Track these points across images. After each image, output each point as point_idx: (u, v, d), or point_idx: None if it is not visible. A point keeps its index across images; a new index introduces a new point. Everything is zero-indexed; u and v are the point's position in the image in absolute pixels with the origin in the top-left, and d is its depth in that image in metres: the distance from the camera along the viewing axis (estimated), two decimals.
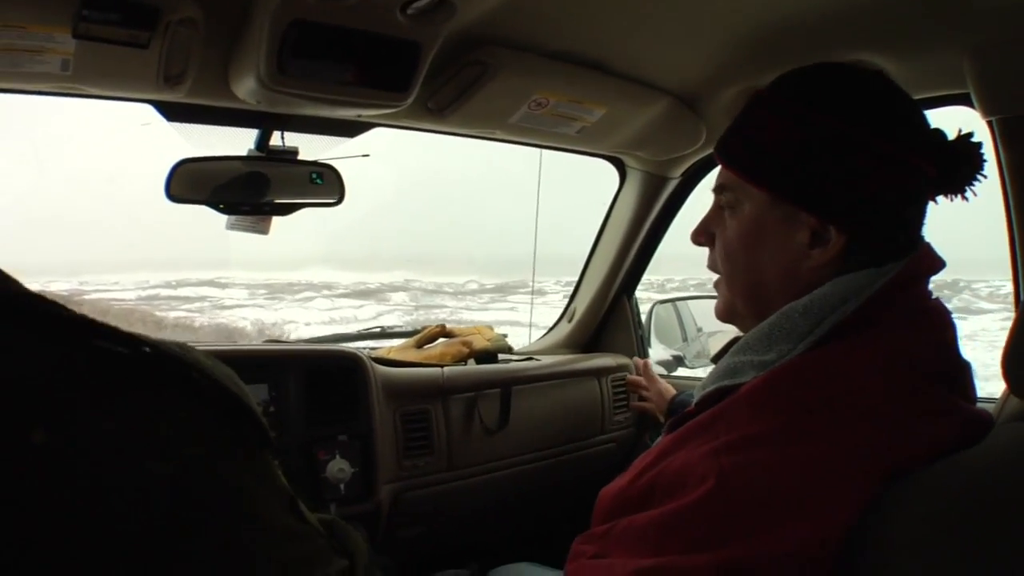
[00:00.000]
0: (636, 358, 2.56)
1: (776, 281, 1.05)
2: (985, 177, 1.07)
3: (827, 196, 0.99)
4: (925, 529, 0.83)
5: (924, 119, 1.04)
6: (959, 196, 1.07)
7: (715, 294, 1.17)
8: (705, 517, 0.89)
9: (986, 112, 1.50)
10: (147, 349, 0.51)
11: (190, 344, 0.55)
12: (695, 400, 1.09)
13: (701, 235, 1.15)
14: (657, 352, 2.81)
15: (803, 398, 0.92)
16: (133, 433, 0.48)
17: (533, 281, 2.90)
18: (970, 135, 1.06)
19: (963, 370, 1.02)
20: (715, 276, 1.16)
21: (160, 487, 0.47)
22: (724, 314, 1.16)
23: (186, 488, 0.49)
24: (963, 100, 1.63)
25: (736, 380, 1.01)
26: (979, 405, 1.02)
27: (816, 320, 0.98)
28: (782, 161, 1.01)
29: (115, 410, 0.48)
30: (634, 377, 2.50)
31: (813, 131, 0.99)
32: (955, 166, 1.04)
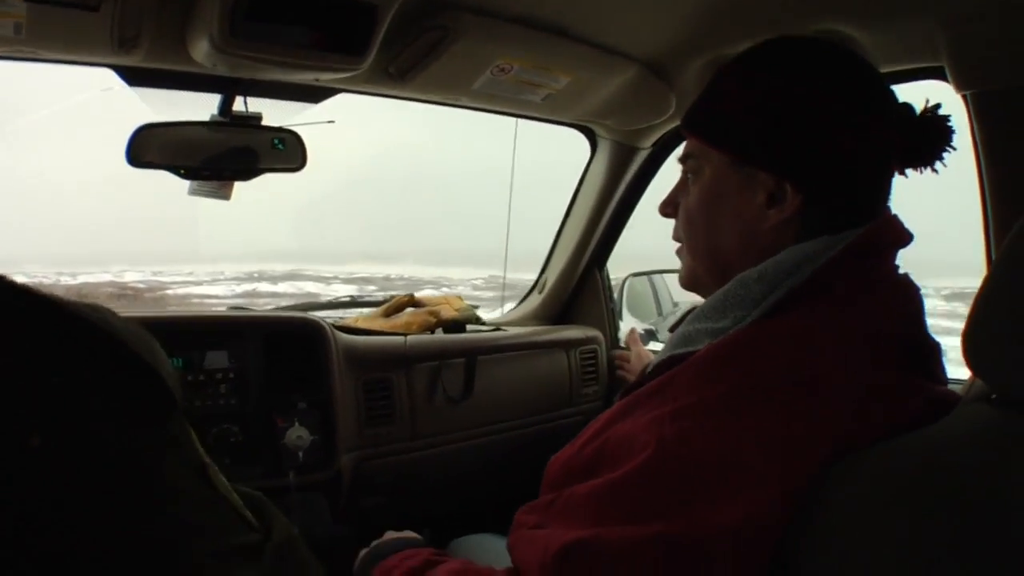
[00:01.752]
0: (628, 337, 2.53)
1: (735, 244, 1.05)
2: (954, 149, 1.07)
3: (784, 153, 0.99)
4: (866, 508, 0.82)
5: (890, 91, 1.04)
6: (928, 168, 1.08)
7: None
8: (642, 486, 0.88)
9: (960, 86, 1.49)
10: (53, 308, 0.50)
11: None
12: (649, 368, 1.09)
13: (668, 206, 1.16)
14: (629, 325, 2.80)
15: (752, 367, 0.91)
16: (26, 387, 0.47)
17: (505, 269, 2.88)
18: (937, 106, 1.06)
19: (930, 348, 1.02)
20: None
21: (54, 443, 0.47)
22: (687, 282, 1.17)
23: (79, 445, 0.48)
24: (937, 73, 1.61)
25: (689, 348, 1.01)
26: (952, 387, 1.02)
27: (770, 287, 0.97)
28: (742, 124, 1.03)
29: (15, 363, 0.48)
30: (619, 352, 2.51)
31: (774, 95, 1.00)
32: (922, 138, 1.05)
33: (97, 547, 0.47)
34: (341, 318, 2.38)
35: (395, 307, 2.36)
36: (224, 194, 1.87)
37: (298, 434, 1.81)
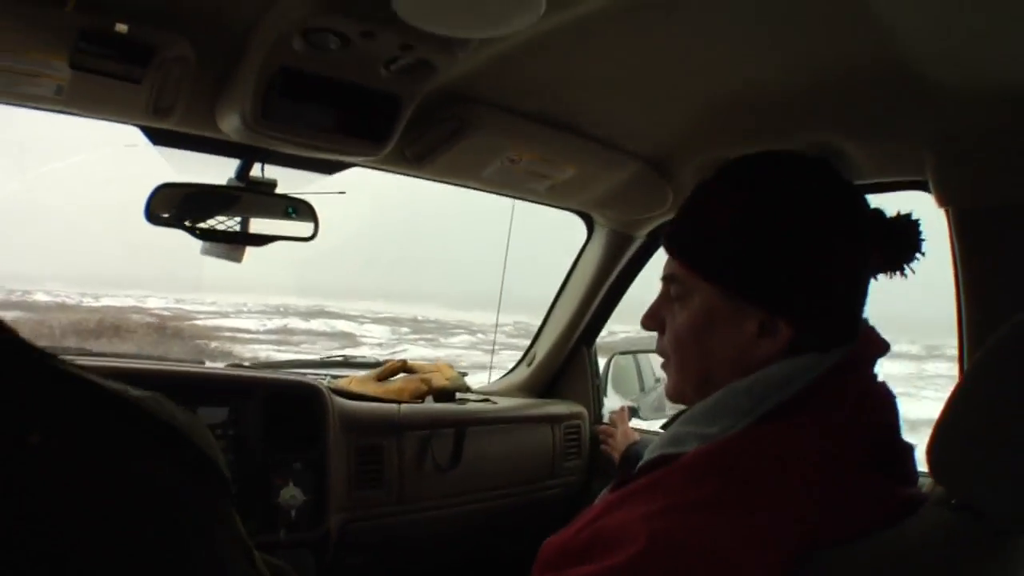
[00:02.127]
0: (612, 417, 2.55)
1: (725, 368, 1.07)
2: (923, 255, 1.10)
3: (775, 291, 1.02)
4: None
5: (866, 204, 1.07)
6: (899, 274, 1.11)
7: None
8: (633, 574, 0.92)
9: (942, 201, 1.57)
10: (129, 406, 0.57)
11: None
12: (640, 464, 1.12)
13: (652, 320, 1.16)
14: (613, 402, 2.85)
15: (738, 470, 0.95)
16: (110, 471, 0.53)
17: (497, 322, 2.94)
18: (908, 215, 1.09)
19: (903, 453, 1.05)
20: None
21: (131, 523, 0.52)
22: (673, 396, 1.17)
23: (161, 517, 0.54)
24: (921, 186, 1.68)
25: (679, 449, 1.03)
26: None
27: (759, 399, 1.01)
28: (729, 255, 1.03)
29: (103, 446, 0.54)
30: (604, 427, 2.54)
31: (759, 223, 1.02)
32: (896, 243, 1.08)
33: None
34: (334, 377, 2.43)
35: (388, 372, 2.41)
36: (236, 257, 1.91)
37: (292, 493, 1.85)
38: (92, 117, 1.62)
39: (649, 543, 0.91)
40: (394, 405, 2.19)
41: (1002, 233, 1.52)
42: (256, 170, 1.85)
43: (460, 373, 2.54)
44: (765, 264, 1.01)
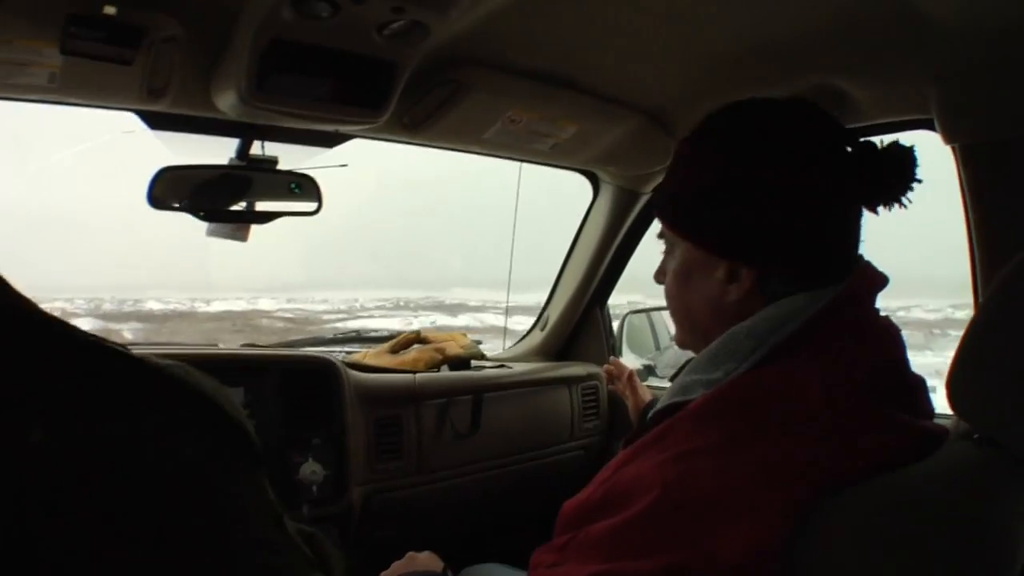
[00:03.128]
0: (613, 359, 2.48)
1: (705, 315, 1.11)
2: (919, 182, 1.07)
3: (732, 240, 1.05)
4: (853, 544, 0.86)
5: (847, 138, 1.06)
6: (897, 205, 1.09)
7: None
8: (650, 525, 0.93)
9: (948, 138, 1.56)
10: (156, 370, 0.57)
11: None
12: (650, 415, 1.14)
13: (660, 275, 1.20)
14: (628, 361, 2.84)
15: (744, 412, 0.97)
16: (141, 442, 0.53)
17: (508, 292, 2.94)
18: (896, 142, 1.08)
19: (915, 386, 1.06)
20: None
21: (162, 491, 0.52)
22: (679, 343, 1.23)
23: (187, 494, 0.54)
24: (927, 125, 1.67)
25: (686, 397, 1.05)
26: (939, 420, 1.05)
27: (759, 341, 1.02)
28: (692, 209, 1.08)
29: (125, 419, 0.53)
30: (606, 367, 2.51)
31: (714, 175, 1.04)
32: (885, 172, 1.06)
33: None
34: (348, 353, 2.43)
35: (402, 343, 2.41)
36: (241, 236, 1.92)
37: (312, 469, 1.86)
38: (88, 104, 1.62)
39: (663, 491, 0.93)
40: (410, 375, 2.20)
41: (1010, 167, 1.52)
42: (256, 148, 1.85)
43: (475, 341, 2.54)
44: (717, 213, 1.05)
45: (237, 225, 1.91)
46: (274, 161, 1.87)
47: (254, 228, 1.92)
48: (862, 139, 1.07)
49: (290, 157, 1.89)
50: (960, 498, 0.87)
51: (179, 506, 0.53)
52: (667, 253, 1.16)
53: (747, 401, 0.98)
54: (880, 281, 1.08)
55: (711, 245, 1.07)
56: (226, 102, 1.52)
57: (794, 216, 1.02)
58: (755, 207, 1.02)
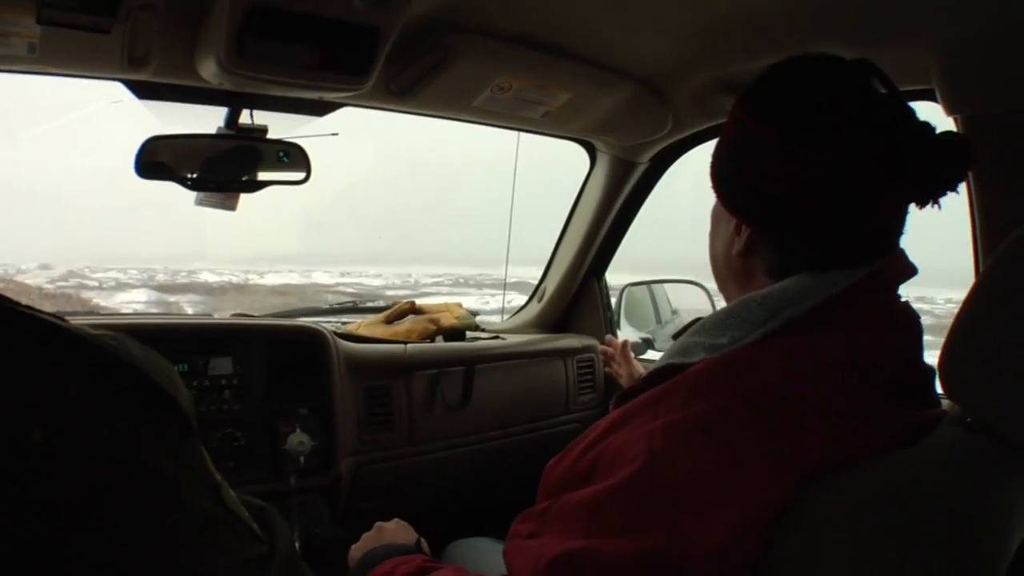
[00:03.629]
0: (609, 338, 2.45)
1: (721, 263, 1.13)
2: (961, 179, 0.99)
3: (732, 190, 1.07)
4: (839, 527, 0.85)
5: (877, 114, 0.98)
6: (934, 205, 1.02)
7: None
8: (631, 499, 0.90)
9: (950, 109, 1.53)
10: (76, 337, 0.55)
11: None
12: (646, 374, 1.11)
13: None
14: (626, 334, 2.83)
15: (744, 386, 0.94)
16: (66, 415, 0.52)
17: (507, 266, 2.92)
18: (954, 134, 0.99)
19: (924, 377, 1.03)
20: None
21: (81, 467, 0.51)
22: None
23: (108, 470, 0.52)
24: (928, 96, 1.63)
25: (686, 359, 1.02)
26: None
27: (772, 311, 0.99)
28: (716, 160, 1.10)
29: (48, 390, 0.52)
30: (603, 347, 2.50)
31: (737, 132, 1.05)
32: (928, 168, 0.97)
33: (116, 567, 0.52)
34: (344, 323, 2.42)
35: (396, 314, 2.40)
36: (230, 205, 1.91)
37: (299, 439, 1.85)
38: (70, 74, 1.61)
39: (648, 459, 0.91)
40: (400, 346, 2.19)
41: (1012, 140, 1.49)
42: (245, 117, 1.83)
43: (471, 312, 2.52)
44: (730, 165, 1.08)
45: (225, 194, 1.89)
46: (263, 130, 1.85)
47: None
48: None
49: (281, 126, 1.88)
50: (948, 482, 0.85)
51: (105, 479, 0.52)
52: None
53: (748, 374, 0.95)
54: (908, 270, 1.04)
55: (718, 191, 1.10)
56: (208, 70, 1.50)
57: (796, 182, 0.98)
58: (753, 164, 1.02)
